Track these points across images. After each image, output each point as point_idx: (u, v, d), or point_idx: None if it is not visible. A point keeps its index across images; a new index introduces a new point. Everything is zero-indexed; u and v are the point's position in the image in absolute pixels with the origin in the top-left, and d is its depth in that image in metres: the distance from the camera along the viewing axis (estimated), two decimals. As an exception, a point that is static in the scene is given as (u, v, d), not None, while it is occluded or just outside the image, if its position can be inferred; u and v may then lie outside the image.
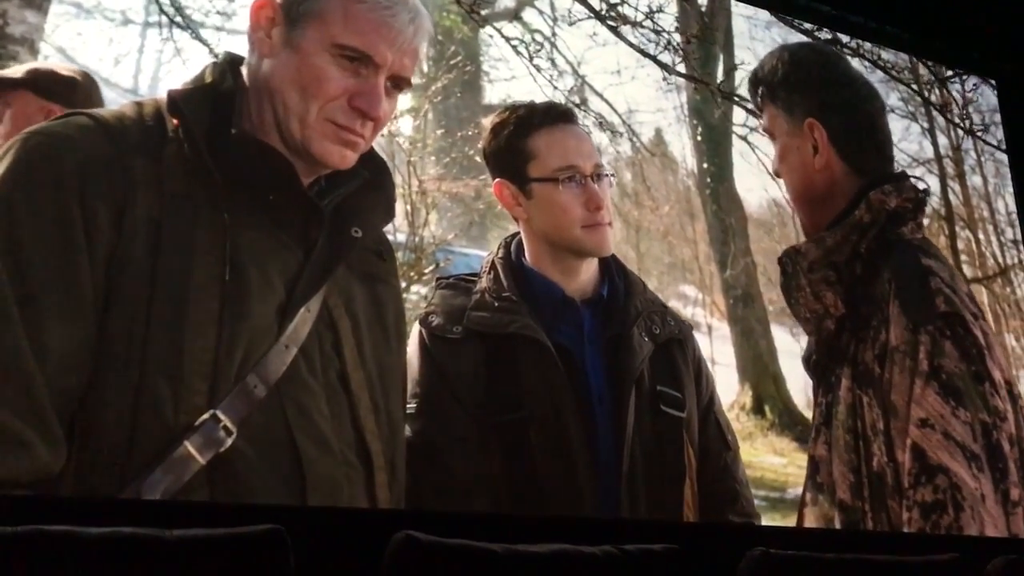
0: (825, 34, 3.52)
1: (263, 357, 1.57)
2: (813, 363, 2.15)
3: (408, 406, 1.96)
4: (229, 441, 1.52)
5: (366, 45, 1.67)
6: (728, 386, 3.32)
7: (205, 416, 1.51)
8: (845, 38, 3.51)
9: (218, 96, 1.66)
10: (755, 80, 2.28)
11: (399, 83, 1.74)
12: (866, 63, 3.45)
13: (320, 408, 1.62)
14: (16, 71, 2.34)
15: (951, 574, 1.88)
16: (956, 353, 1.94)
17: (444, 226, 3.19)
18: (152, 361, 1.49)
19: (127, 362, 1.49)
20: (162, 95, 1.69)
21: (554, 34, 3.48)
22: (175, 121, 1.63)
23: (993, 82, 3.68)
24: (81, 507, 1.40)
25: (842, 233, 2.09)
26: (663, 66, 3.36)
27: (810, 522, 2.07)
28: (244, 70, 1.73)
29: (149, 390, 1.48)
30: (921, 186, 2.20)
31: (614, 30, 3.29)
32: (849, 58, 3.32)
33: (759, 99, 2.27)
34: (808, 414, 3.66)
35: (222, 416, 1.52)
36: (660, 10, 3.35)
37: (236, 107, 1.66)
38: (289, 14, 1.67)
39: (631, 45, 3.31)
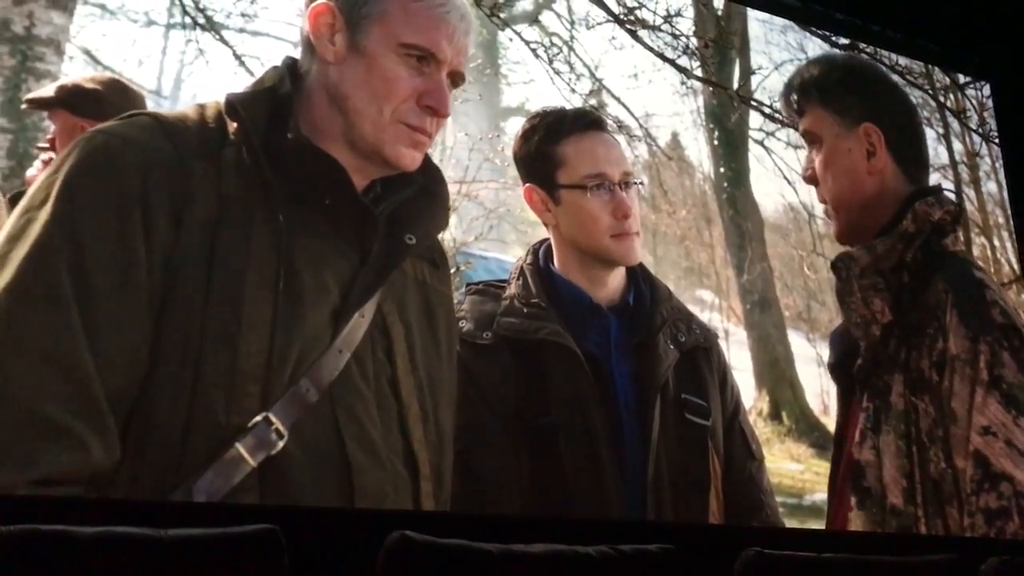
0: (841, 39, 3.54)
1: (316, 361, 1.57)
2: (858, 368, 2.16)
3: (439, 412, 1.99)
4: (280, 444, 1.51)
5: (430, 42, 1.68)
6: (745, 392, 3.34)
7: (257, 418, 1.51)
8: (859, 43, 3.53)
9: (276, 100, 1.67)
10: (801, 83, 2.27)
11: (456, 79, 1.75)
12: (883, 67, 3.46)
13: (371, 414, 1.62)
14: (48, 90, 2.36)
15: (946, 574, 1.88)
16: (1014, 364, 1.95)
17: (463, 229, 3.20)
18: (206, 363, 1.49)
19: (181, 363, 1.48)
20: (219, 98, 1.69)
21: (572, 38, 3.49)
22: (234, 124, 1.63)
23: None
24: (76, 507, 1.39)
25: (890, 242, 2.10)
26: (681, 70, 3.37)
27: (856, 527, 2.07)
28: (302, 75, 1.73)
29: (202, 392, 1.48)
30: (954, 199, 2.22)
31: (632, 34, 3.30)
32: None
33: (802, 101, 2.26)
34: (824, 420, 3.68)
35: (274, 419, 1.51)
36: (678, 14, 3.36)
37: (293, 111, 1.66)
38: (350, 19, 1.68)
39: (649, 49, 3.33)
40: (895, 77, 3.44)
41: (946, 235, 2.13)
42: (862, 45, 3.52)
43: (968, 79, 3.72)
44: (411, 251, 1.74)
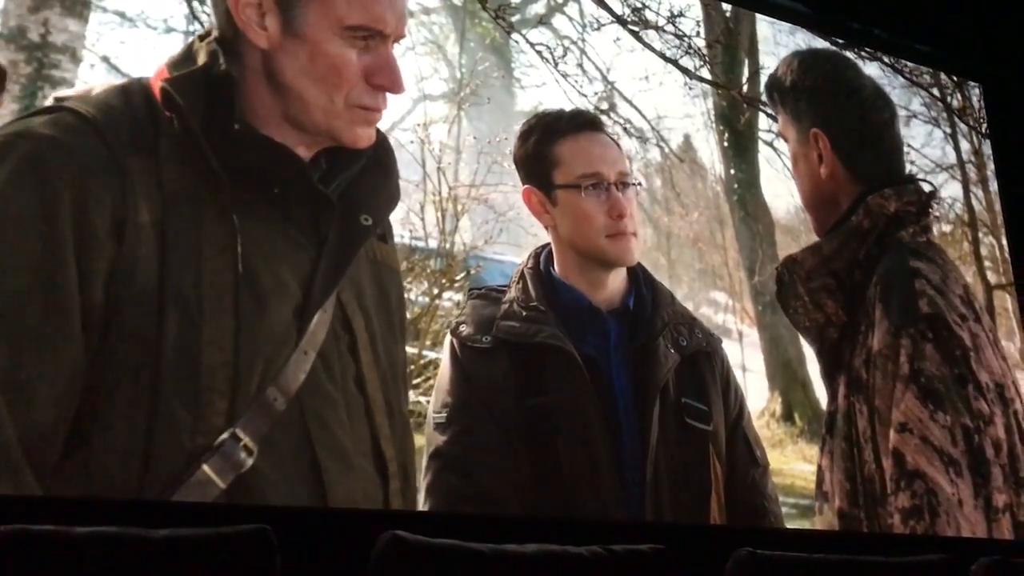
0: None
1: (283, 367, 1.50)
2: (821, 373, 2.15)
3: (439, 415, 2.00)
4: (250, 461, 1.45)
5: (376, 20, 1.61)
6: (758, 393, 3.32)
7: (224, 436, 1.44)
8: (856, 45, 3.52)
9: (211, 82, 1.56)
10: (769, 85, 2.29)
11: (398, 39, 1.68)
12: (885, 68, 3.44)
13: (340, 418, 1.57)
14: None
15: (936, 575, 1.88)
16: (938, 356, 1.93)
17: (475, 232, 3.22)
18: (166, 380, 1.41)
19: (136, 382, 1.41)
20: (147, 76, 1.60)
21: (583, 40, 3.49)
22: (168, 113, 1.53)
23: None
24: (68, 506, 1.38)
25: (839, 240, 2.08)
26: (684, 71, 3.37)
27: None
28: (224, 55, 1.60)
29: (164, 412, 1.41)
30: (927, 188, 2.18)
31: (636, 35, 3.30)
32: (869, 63, 3.34)
33: (772, 103, 2.29)
34: (838, 421, 3.66)
35: (242, 434, 1.45)
36: (681, 14, 3.36)
37: (234, 96, 1.56)
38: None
39: (652, 50, 3.32)
40: (900, 78, 3.43)
41: (905, 227, 2.09)
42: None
43: (964, 80, 3.70)
44: (368, 233, 1.66)
